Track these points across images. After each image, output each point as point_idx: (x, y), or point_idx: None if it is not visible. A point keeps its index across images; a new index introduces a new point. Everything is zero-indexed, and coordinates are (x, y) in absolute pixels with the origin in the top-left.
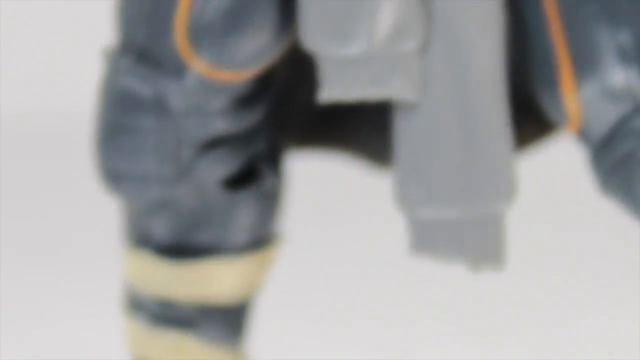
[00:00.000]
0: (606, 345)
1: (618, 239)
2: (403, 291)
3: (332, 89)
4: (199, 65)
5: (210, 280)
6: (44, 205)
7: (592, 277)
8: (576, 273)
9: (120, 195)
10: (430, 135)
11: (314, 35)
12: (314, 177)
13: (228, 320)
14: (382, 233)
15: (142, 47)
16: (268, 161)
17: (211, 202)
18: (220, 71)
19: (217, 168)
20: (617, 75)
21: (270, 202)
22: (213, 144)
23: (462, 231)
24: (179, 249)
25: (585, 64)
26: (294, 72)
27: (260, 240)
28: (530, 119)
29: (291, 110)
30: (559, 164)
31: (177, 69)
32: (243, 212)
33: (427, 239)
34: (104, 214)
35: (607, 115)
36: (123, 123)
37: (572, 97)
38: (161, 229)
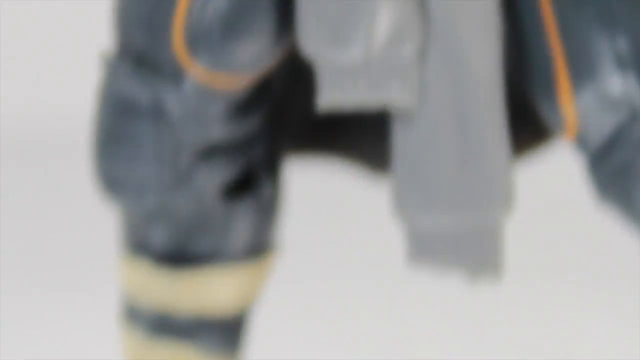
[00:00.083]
0: (605, 354)
1: (616, 248)
2: (401, 300)
3: (330, 95)
4: (196, 71)
5: (208, 289)
6: (43, 212)
7: (591, 286)
8: (574, 282)
9: (118, 202)
10: (427, 143)
11: (311, 40)
12: (312, 185)
13: (225, 331)
14: (379, 242)
15: (140, 52)
16: (266, 169)
17: (209, 209)
18: (218, 77)
19: (215, 175)
20: (615, 83)
21: (267, 210)
22: (211, 151)
23: (459, 240)
24: (177, 257)
25: (582, 72)
26: (292, 79)
27: (258, 248)
28: (527, 127)
29: (289, 118)
30: (557, 172)
31: (175, 75)
32: (241, 220)
33: (425, 248)
34: (102, 221)
35: (604, 123)
36: (121, 129)
37: (570, 105)
38: (159, 236)
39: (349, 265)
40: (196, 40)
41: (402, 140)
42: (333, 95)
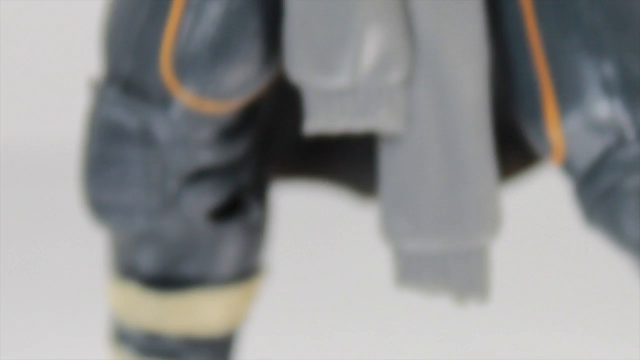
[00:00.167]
0: None
1: (602, 270)
2: (388, 323)
3: (317, 121)
4: (184, 96)
5: (196, 312)
6: (31, 236)
7: (577, 308)
8: (561, 304)
9: (107, 226)
10: (415, 167)
11: (299, 67)
12: (300, 209)
13: (213, 352)
14: (367, 265)
15: (128, 78)
16: (254, 193)
17: (197, 233)
18: (206, 102)
19: (203, 199)
20: (601, 107)
21: (255, 234)
22: (199, 176)
23: (447, 263)
24: (165, 281)
25: (569, 96)
26: (280, 104)
27: (246, 272)
28: (514, 151)
29: (277, 142)
30: (543, 195)
31: (163, 100)
32: (229, 243)
33: (412, 270)
34: (91, 244)
35: (591, 147)
36: (109, 154)
37: (557, 129)
38: (147, 260)
39: (336, 290)
40: (184, 66)
41: (389, 165)
42: (320, 120)
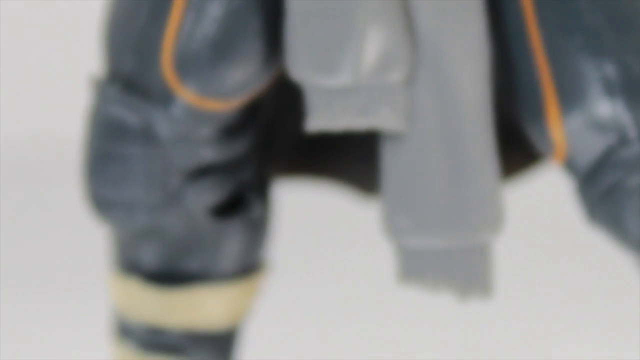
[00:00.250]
0: None
1: (605, 268)
2: (391, 319)
3: (319, 119)
4: (185, 94)
5: (198, 307)
6: (33, 231)
7: (580, 305)
8: (563, 301)
9: (109, 222)
10: (417, 164)
11: (300, 65)
12: (302, 206)
13: (216, 347)
14: (370, 261)
15: (130, 76)
16: (255, 190)
17: (199, 230)
18: (207, 100)
19: (205, 196)
20: (603, 107)
21: (257, 230)
22: (200, 173)
23: (449, 260)
24: (167, 276)
25: (570, 96)
26: (281, 101)
27: (248, 268)
28: (516, 149)
29: (278, 139)
30: (546, 193)
31: (165, 98)
32: (231, 240)
33: (415, 267)
34: (93, 240)
35: (593, 147)
36: (111, 151)
37: (558, 128)
38: (149, 256)
39: (339, 287)
40: (185, 66)
41: (391, 163)
42: (322, 119)
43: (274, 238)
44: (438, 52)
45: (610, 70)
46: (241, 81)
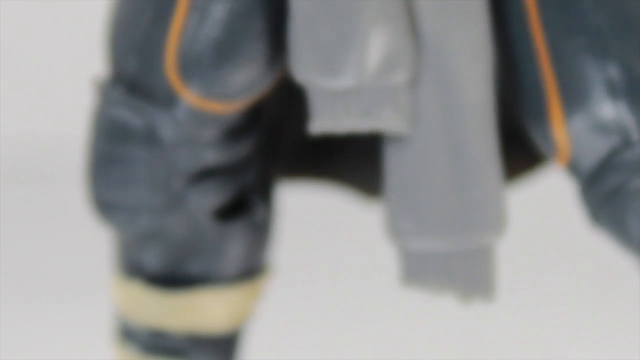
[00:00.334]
0: None
1: (608, 270)
2: (394, 322)
3: (322, 121)
4: (189, 96)
5: (201, 311)
6: (36, 233)
7: (583, 308)
8: (566, 304)
9: (112, 225)
10: (420, 167)
11: (304, 68)
12: (305, 209)
13: (218, 350)
14: (372, 264)
15: (133, 78)
16: (259, 192)
17: (202, 232)
18: (211, 102)
19: (208, 199)
20: (606, 109)
21: (260, 233)
22: (204, 175)
23: (452, 262)
24: (170, 279)
25: (574, 98)
26: (285, 103)
27: (251, 270)
28: (519, 152)
29: (282, 142)
30: (549, 196)
31: (168, 100)
32: (234, 242)
33: (418, 270)
34: (96, 243)
35: (596, 148)
36: (114, 153)
37: (562, 130)
38: (152, 259)
39: (342, 289)
40: (188, 67)
41: (394, 165)
42: (325, 120)
43: (277, 241)
44: (441, 53)
45: (613, 72)
46: (245, 83)
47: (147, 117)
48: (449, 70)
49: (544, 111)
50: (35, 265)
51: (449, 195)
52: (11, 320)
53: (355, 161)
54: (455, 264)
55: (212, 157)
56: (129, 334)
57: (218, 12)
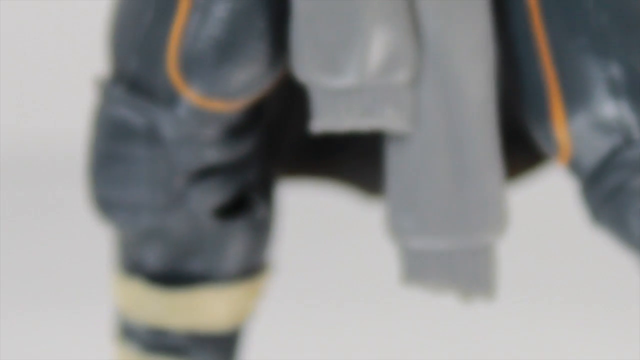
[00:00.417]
0: None
1: (609, 269)
2: (395, 320)
3: (324, 120)
4: (190, 95)
5: (202, 309)
6: (36, 232)
7: (584, 306)
8: (567, 303)
9: (112, 224)
10: (421, 165)
11: (305, 66)
12: (306, 207)
13: (219, 348)
14: (373, 263)
15: (135, 77)
16: (260, 190)
17: (203, 231)
18: (212, 101)
19: (209, 197)
20: (608, 108)
21: (261, 232)
22: (205, 173)
23: (453, 261)
24: (171, 278)
25: (575, 97)
26: (286, 102)
27: (252, 269)
28: (521, 150)
29: (283, 140)
30: (550, 194)
31: (170, 99)
32: (235, 241)
33: (419, 268)
34: (96, 241)
35: (597, 147)
36: (115, 152)
37: (563, 129)
38: (153, 257)
39: (343, 288)
40: (190, 66)
41: (395, 163)
42: (327, 119)
43: (277, 239)
44: (443, 52)
45: (615, 71)
46: (246, 82)
47: (148, 116)
48: (451, 69)
49: (546, 110)
50: (35, 265)
51: (450, 194)
52: (11, 320)
53: (356, 160)
54: (456, 262)
55: (213, 155)
56: (129, 333)
57: (219, 12)
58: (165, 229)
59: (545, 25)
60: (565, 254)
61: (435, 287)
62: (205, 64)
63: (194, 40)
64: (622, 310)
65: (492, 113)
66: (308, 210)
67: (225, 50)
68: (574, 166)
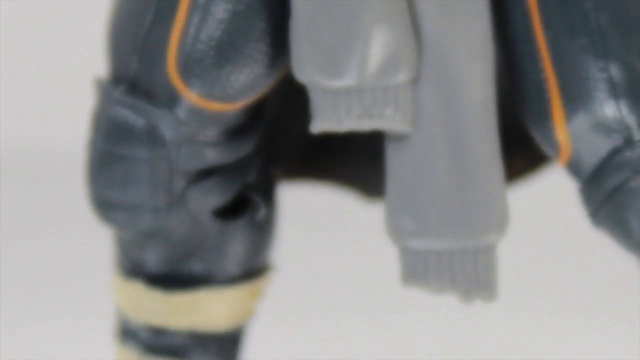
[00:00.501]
0: None
1: (609, 270)
2: (396, 321)
3: (324, 121)
4: (190, 96)
5: (202, 310)
6: (36, 233)
7: (584, 307)
8: (567, 303)
9: (112, 225)
10: (421, 167)
11: (305, 67)
12: (306, 208)
13: (220, 348)
14: (374, 263)
15: (135, 78)
16: (260, 192)
17: (203, 232)
18: (212, 102)
19: (209, 198)
20: (608, 108)
21: (262, 233)
22: (205, 175)
23: (453, 262)
24: (171, 279)
25: (575, 97)
26: (286, 103)
27: (252, 270)
28: (521, 151)
29: (283, 141)
30: (551, 195)
31: (170, 100)
32: (235, 242)
33: (419, 269)
34: (97, 243)
35: (597, 148)
36: (115, 153)
37: (563, 130)
38: (153, 258)
39: (344, 285)
40: (190, 67)
41: (395, 164)
42: (327, 120)
43: (278, 240)
44: (443, 53)
45: (615, 71)
46: (246, 83)
47: (148, 117)
48: (451, 69)
49: (546, 111)
50: (35, 265)
51: (450, 194)
52: (11, 320)
53: (356, 161)
54: (456, 263)
55: (213, 156)
56: (130, 334)
57: (219, 13)
58: (165, 230)
59: (544, 25)
60: (565, 254)
61: (435, 288)
62: (205, 65)
63: (194, 41)
64: (622, 311)
65: (492, 113)
66: (308, 211)
67: (225, 51)
68: (574, 166)
